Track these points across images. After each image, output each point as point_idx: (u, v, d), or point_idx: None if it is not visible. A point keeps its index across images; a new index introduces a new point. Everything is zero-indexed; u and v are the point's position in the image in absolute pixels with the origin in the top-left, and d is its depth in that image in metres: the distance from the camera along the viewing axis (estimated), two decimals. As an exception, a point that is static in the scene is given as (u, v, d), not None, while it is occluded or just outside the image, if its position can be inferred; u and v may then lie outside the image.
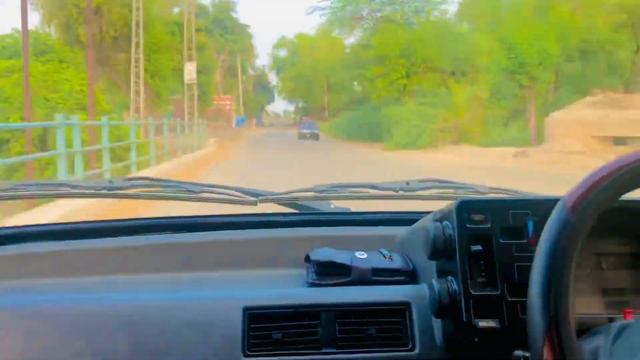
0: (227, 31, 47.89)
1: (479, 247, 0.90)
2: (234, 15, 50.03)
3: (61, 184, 1.31)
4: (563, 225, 0.61)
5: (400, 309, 0.99)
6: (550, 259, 0.60)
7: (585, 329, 0.80)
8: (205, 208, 1.33)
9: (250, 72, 62.50)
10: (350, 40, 37.89)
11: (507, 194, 1.30)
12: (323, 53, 43.28)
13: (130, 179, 1.32)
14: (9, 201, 1.71)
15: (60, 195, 1.31)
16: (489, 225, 0.91)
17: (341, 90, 39.60)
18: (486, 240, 0.91)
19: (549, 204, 0.92)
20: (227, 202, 1.29)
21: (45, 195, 1.31)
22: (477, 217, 0.92)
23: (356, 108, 35.32)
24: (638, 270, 0.99)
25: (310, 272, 1.09)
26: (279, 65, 60.24)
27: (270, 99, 77.07)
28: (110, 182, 1.28)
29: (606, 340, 0.73)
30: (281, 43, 60.53)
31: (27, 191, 1.27)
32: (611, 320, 0.89)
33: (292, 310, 0.97)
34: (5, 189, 1.24)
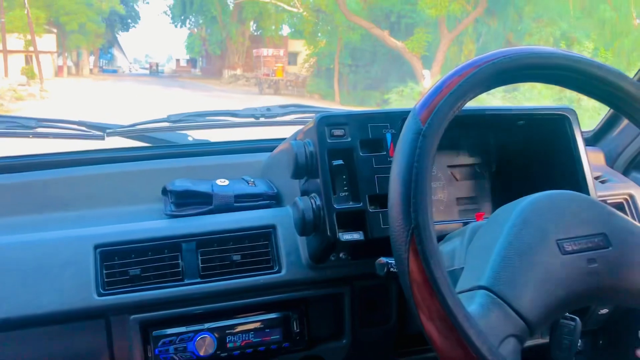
0: None
1: (340, 162, 0.89)
2: None
3: None
4: (415, 136, 0.61)
5: (265, 233, 0.97)
6: (406, 169, 0.60)
7: (444, 235, 0.83)
8: (45, 146, 1.18)
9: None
10: None
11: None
12: None
13: None
14: None
15: None
16: (349, 139, 0.90)
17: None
18: (347, 154, 0.90)
19: (405, 115, 0.93)
20: (69, 138, 1.16)
21: None
22: (337, 132, 0.90)
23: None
24: (484, 179, 1.06)
25: (168, 203, 1.02)
26: None
27: (132, 18, 31.96)
28: None
29: (462, 242, 0.77)
30: None
31: None
32: (465, 224, 0.95)
33: (148, 244, 0.91)
34: None
